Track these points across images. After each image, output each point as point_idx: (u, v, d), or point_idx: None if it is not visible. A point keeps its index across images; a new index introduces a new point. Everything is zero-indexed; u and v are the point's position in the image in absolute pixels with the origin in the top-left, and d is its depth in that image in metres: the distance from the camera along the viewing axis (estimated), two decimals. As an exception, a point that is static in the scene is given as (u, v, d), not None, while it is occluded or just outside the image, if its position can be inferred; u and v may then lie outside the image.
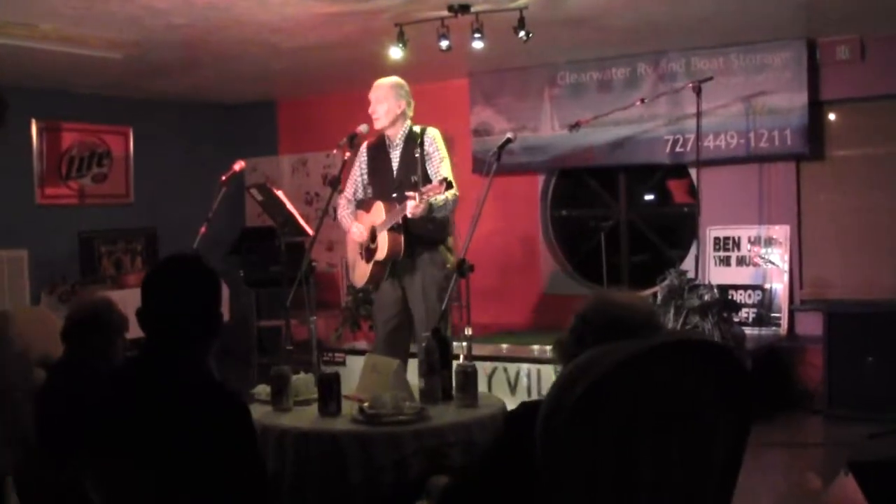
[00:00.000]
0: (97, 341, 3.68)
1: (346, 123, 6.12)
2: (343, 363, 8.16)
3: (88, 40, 7.10)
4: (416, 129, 5.88)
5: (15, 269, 8.87)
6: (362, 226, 5.88)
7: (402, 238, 5.69)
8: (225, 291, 9.25)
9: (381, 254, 5.74)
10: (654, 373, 2.40)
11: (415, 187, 5.53)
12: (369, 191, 5.99)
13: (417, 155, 5.76)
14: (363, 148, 5.94)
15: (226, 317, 8.96)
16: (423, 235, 5.75)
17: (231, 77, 9.16)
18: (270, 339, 9.78)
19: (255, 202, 8.37)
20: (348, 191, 6.03)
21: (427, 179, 5.66)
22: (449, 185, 5.40)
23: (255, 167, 10.87)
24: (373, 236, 5.85)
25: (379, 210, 5.79)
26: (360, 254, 5.99)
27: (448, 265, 5.84)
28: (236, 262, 9.82)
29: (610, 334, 2.51)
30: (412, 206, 5.39)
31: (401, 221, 5.64)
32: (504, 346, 8.03)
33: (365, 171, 5.94)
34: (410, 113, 5.91)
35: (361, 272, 6.00)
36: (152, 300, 2.72)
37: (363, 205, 6.00)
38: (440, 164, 5.77)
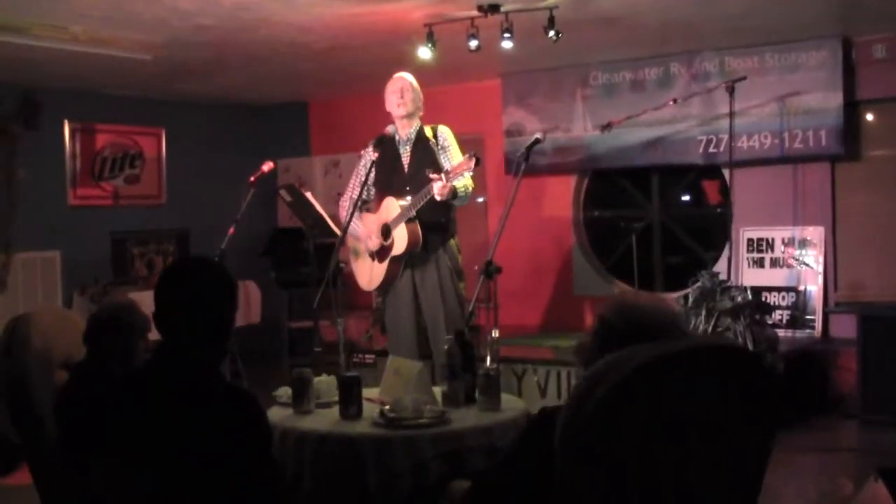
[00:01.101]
0: (118, 343, 3.67)
1: (378, 124, 6.14)
2: (373, 365, 8.11)
3: (117, 42, 7.14)
4: (427, 127, 5.94)
5: (48, 270, 8.93)
6: (367, 229, 5.89)
7: (420, 229, 5.69)
8: (257, 293, 9.36)
9: (400, 248, 5.74)
10: (677, 378, 2.36)
11: (429, 181, 5.53)
12: (373, 191, 5.99)
13: (433, 147, 5.82)
14: (368, 148, 5.92)
15: (257, 318, 9.03)
16: (437, 227, 5.78)
17: (261, 78, 9.18)
18: (301, 341, 9.78)
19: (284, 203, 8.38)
20: (353, 191, 6.00)
21: (441, 171, 5.66)
22: (477, 162, 5.38)
23: (288, 168, 10.91)
24: (385, 234, 5.83)
25: (390, 206, 5.78)
26: (371, 255, 5.98)
27: (459, 257, 5.93)
28: (268, 263, 9.84)
29: (633, 338, 2.47)
30: (439, 187, 5.40)
31: (413, 214, 5.64)
32: (534, 347, 7.97)
33: (369, 170, 5.91)
34: (421, 112, 5.98)
35: (372, 274, 6.00)
36: (164, 302, 2.72)
37: (368, 206, 6.01)
38: (455, 156, 5.83)
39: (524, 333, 8.73)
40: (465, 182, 5.58)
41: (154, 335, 2.93)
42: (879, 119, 8.00)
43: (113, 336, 3.69)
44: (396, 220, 5.74)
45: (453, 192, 5.53)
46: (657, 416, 2.32)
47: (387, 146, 5.89)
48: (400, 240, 5.74)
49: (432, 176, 5.46)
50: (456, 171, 5.41)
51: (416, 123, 5.93)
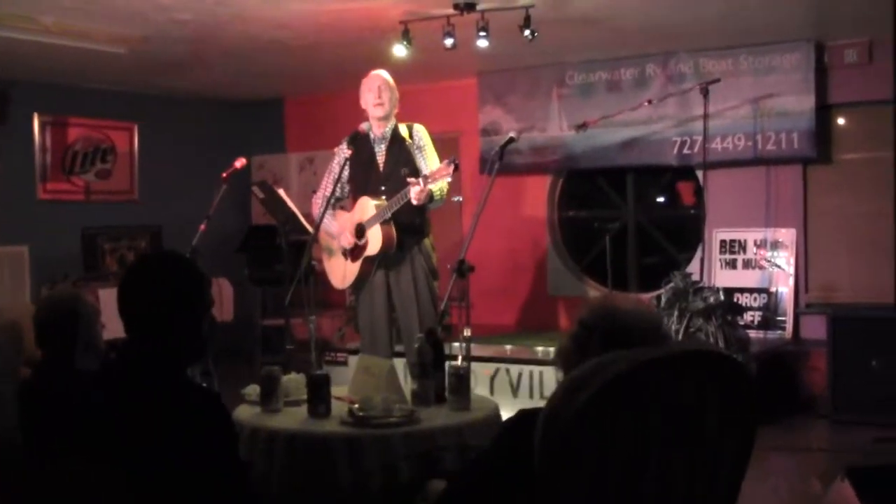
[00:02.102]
0: (69, 335, 3.63)
1: (353, 121, 6.11)
2: (345, 363, 8.13)
3: (91, 34, 7.09)
4: (403, 125, 5.91)
5: (16, 265, 8.85)
6: (340, 227, 5.87)
7: (395, 231, 5.68)
8: (230, 290, 9.30)
9: (374, 249, 5.72)
10: (659, 384, 2.34)
11: (405, 180, 5.53)
12: (347, 189, 5.96)
13: (408, 147, 5.79)
14: (343, 145, 5.90)
15: (230, 315, 8.96)
16: (412, 228, 5.77)
17: (237, 74, 9.14)
18: (275, 338, 9.74)
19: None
20: (327, 189, 5.97)
21: (416, 173, 5.65)
22: (456, 167, 5.37)
23: (263, 165, 10.87)
24: (360, 233, 5.82)
25: (365, 206, 5.77)
26: (344, 253, 5.96)
27: (433, 261, 5.91)
28: (242, 260, 9.79)
29: (613, 343, 2.46)
30: (416, 192, 5.38)
31: (389, 215, 5.63)
32: (507, 347, 7.97)
33: (343, 168, 5.88)
34: (396, 110, 5.97)
35: (344, 272, 5.98)
36: (129, 299, 2.67)
37: (342, 204, 5.99)
38: (431, 156, 5.85)
39: (498, 333, 8.73)
40: (440, 185, 5.57)
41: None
42: (851, 123, 8.06)
43: (61, 329, 3.65)
44: (371, 221, 5.72)
45: (429, 197, 5.52)
46: (639, 421, 2.31)
47: (361, 144, 5.87)
48: (374, 240, 5.73)
49: (410, 180, 5.44)
50: (434, 176, 5.40)
51: (391, 121, 5.91)
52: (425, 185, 5.38)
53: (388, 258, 5.80)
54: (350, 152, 5.78)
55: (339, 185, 5.88)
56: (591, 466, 2.28)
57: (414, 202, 5.46)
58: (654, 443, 2.33)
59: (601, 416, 2.26)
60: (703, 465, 2.42)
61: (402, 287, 5.82)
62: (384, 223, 5.68)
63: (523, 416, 2.55)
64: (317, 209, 5.95)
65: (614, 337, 2.50)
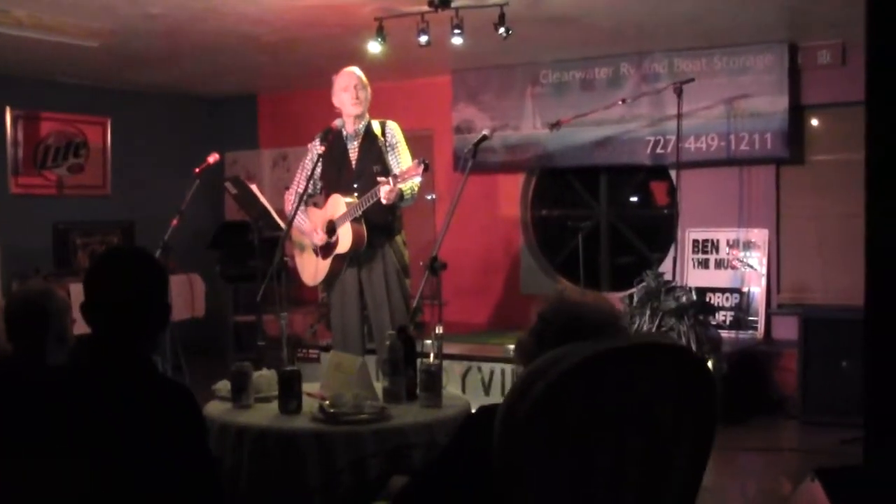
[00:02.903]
0: (39, 331, 3.60)
1: (327, 118, 6.07)
2: (317, 360, 8.10)
3: (63, 28, 7.03)
4: (375, 122, 5.88)
5: (-15, 259, 8.79)
6: (312, 224, 5.86)
7: (365, 230, 5.67)
8: (201, 286, 9.26)
9: (344, 247, 5.71)
10: (615, 375, 2.37)
11: (377, 178, 5.52)
12: (319, 185, 5.95)
13: (380, 146, 5.77)
14: (315, 142, 5.88)
15: (202, 311, 8.92)
16: (383, 226, 5.76)
17: (211, 69, 9.10)
18: (246, 335, 9.71)
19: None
20: (299, 185, 5.95)
21: (388, 171, 5.65)
22: (426, 168, 5.37)
23: (236, 161, 10.84)
24: (331, 231, 5.80)
25: (337, 203, 5.75)
26: (315, 251, 5.95)
27: (406, 254, 5.91)
28: (214, 256, 9.75)
29: (570, 335, 2.47)
30: (386, 191, 5.37)
31: (359, 213, 5.63)
32: (480, 345, 7.97)
33: (315, 164, 5.86)
34: (368, 106, 5.94)
35: (315, 269, 5.97)
36: (94, 294, 2.66)
37: (314, 200, 5.97)
38: (403, 154, 5.82)
39: (471, 331, 8.73)
40: (410, 185, 5.55)
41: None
42: (823, 124, 8.10)
43: (34, 325, 3.62)
44: (342, 219, 5.70)
45: (399, 196, 5.51)
46: (595, 412, 2.33)
47: (334, 140, 5.85)
48: (345, 238, 5.71)
49: (380, 179, 5.43)
50: (404, 175, 5.39)
51: (364, 119, 5.89)
52: (395, 184, 5.37)
53: (360, 256, 5.79)
54: (323, 149, 5.77)
55: (311, 182, 5.86)
56: (547, 456, 2.30)
57: (384, 201, 5.44)
58: (609, 433, 2.35)
59: (557, 407, 2.28)
60: (659, 454, 2.44)
61: (374, 285, 5.81)
62: (355, 221, 5.67)
63: (483, 411, 2.59)
64: (289, 205, 5.93)
65: (571, 329, 2.52)
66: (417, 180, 5.54)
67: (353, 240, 5.67)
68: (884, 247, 1.79)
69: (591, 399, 2.32)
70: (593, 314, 2.58)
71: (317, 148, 5.81)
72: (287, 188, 6.14)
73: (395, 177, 5.40)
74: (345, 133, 5.87)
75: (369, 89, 5.88)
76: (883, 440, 1.88)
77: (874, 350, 1.86)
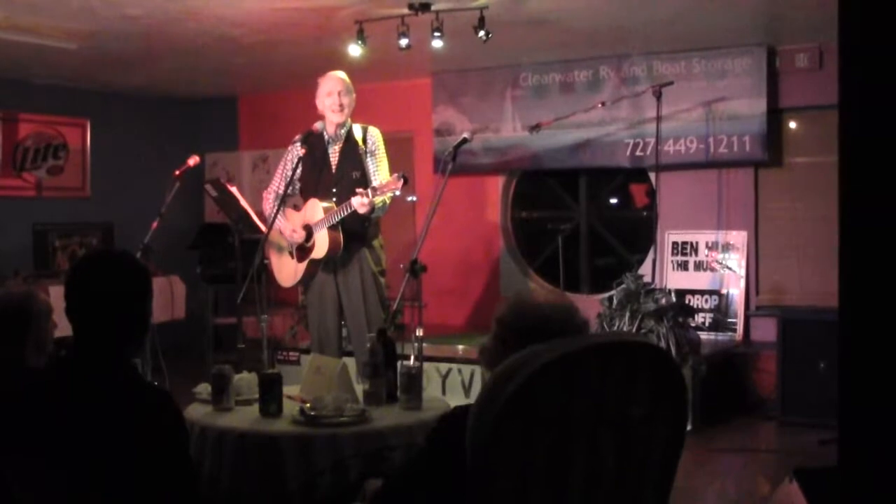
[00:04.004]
0: (21, 335, 3.59)
1: (307, 120, 6.07)
2: (297, 362, 8.10)
3: (40, 29, 7.02)
4: (357, 126, 5.86)
5: (-37, 261, 8.75)
6: (290, 225, 5.85)
7: (342, 236, 5.66)
8: (182, 287, 9.24)
9: (320, 252, 5.71)
10: (585, 373, 2.36)
11: (356, 184, 5.53)
12: (297, 186, 5.93)
13: (360, 152, 5.75)
14: (296, 144, 5.88)
15: (182, 313, 8.88)
16: (359, 233, 5.76)
17: (191, 71, 9.08)
18: (227, 337, 9.69)
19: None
20: (277, 185, 5.95)
21: (366, 177, 5.66)
22: (405, 182, 5.37)
23: (216, 162, 10.82)
24: (308, 235, 5.80)
25: (314, 208, 5.75)
26: (290, 253, 5.95)
27: (383, 260, 5.90)
28: (194, 258, 9.73)
29: (531, 337, 2.46)
30: (359, 203, 5.37)
31: (335, 221, 5.64)
32: (460, 347, 7.99)
33: (294, 166, 5.85)
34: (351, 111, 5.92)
35: (292, 271, 5.97)
36: (75, 296, 2.65)
37: (293, 202, 5.97)
38: (380, 162, 5.80)
39: (451, 333, 8.74)
40: (383, 198, 5.56)
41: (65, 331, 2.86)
42: (801, 127, 8.15)
43: (14, 328, 3.60)
44: (319, 225, 5.70)
45: (373, 207, 5.52)
46: (567, 411, 2.33)
47: (315, 143, 5.84)
48: (321, 244, 5.71)
49: (359, 191, 5.43)
50: (383, 189, 5.39)
51: (347, 123, 5.88)
52: (372, 196, 5.37)
53: (336, 261, 5.78)
54: (304, 151, 5.76)
55: (290, 184, 5.85)
56: (520, 455, 2.31)
57: (360, 212, 5.45)
58: (582, 431, 2.35)
59: (528, 405, 2.28)
60: (632, 453, 2.44)
61: (350, 290, 5.80)
62: (332, 228, 5.66)
63: (455, 412, 2.59)
64: (267, 205, 5.93)
65: (530, 330, 2.52)
66: (389, 196, 5.55)
67: (329, 247, 5.67)
68: (856, 248, 1.81)
69: (563, 398, 2.32)
70: (552, 313, 2.60)
71: (297, 150, 5.80)
72: (266, 189, 6.12)
73: (373, 189, 5.40)
74: (326, 136, 5.86)
75: (354, 94, 5.86)
76: (858, 440, 1.89)
77: (847, 353, 1.88)
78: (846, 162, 1.84)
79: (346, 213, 5.55)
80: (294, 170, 5.80)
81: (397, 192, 5.46)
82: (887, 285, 1.82)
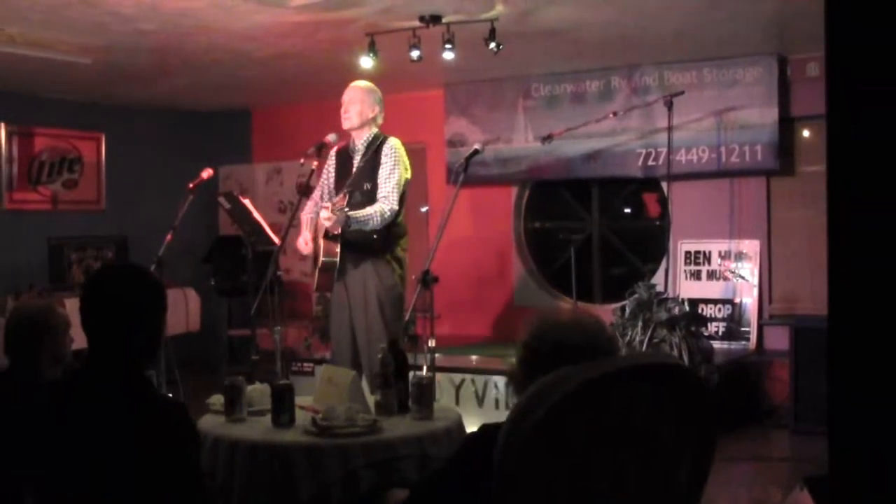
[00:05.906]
0: (39, 347, 3.62)
1: (320, 132, 6.06)
2: (311, 373, 8.12)
3: (55, 45, 7.07)
4: (383, 137, 5.84)
5: (-19, 275, 8.81)
6: (308, 234, 5.87)
7: (338, 247, 5.62)
8: (196, 300, 9.29)
9: (319, 262, 5.73)
10: (612, 397, 2.36)
11: (365, 195, 5.52)
12: (333, 195, 5.95)
13: (377, 164, 5.75)
14: (333, 151, 5.92)
15: (196, 326, 8.93)
16: (364, 245, 5.63)
17: (204, 85, 9.13)
18: (241, 349, 9.73)
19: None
20: (316, 194, 6.00)
21: (375, 187, 5.62)
22: (351, 196, 5.36)
23: (230, 175, 10.86)
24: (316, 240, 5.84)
25: (322, 214, 5.78)
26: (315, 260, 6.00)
27: (395, 274, 5.72)
28: (208, 270, 9.78)
29: (561, 359, 2.43)
30: (323, 217, 5.36)
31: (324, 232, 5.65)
32: (473, 357, 8.00)
33: (332, 175, 5.91)
34: (380, 121, 5.86)
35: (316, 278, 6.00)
36: (91, 310, 2.68)
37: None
38: (388, 175, 5.66)
39: (465, 343, 8.75)
40: (366, 210, 5.49)
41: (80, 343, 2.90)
42: (813, 135, 8.14)
43: (32, 341, 3.64)
44: (319, 231, 5.73)
45: (346, 221, 5.39)
46: (594, 434, 2.33)
47: (343, 153, 5.88)
48: (319, 255, 5.74)
49: (324, 205, 5.44)
50: (335, 205, 5.34)
51: (368, 132, 5.80)
52: (332, 212, 5.29)
53: (345, 275, 5.74)
54: (316, 164, 5.78)
55: (322, 190, 5.93)
56: (547, 478, 2.31)
57: (325, 225, 5.41)
58: (609, 454, 2.35)
59: (556, 429, 2.28)
60: (660, 474, 2.44)
61: (355, 305, 5.68)
62: (328, 238, 5.63)
63: (485, 431, 2.57)
64: (303, 213, 5.96)
65: (556, 354, 2.50)
66: (377, 208, 5.52)
67: (322, 257, 5.67)
68: (844, 254, 1.83)
69: (590, 421, 2.32)
70: (576, 335, 2.57)
71: (311, 163, 5.81)
72: (282, 202, 6.17)
73: (333, 203, 5.37)
74: (351, 145, 5.87)
75: (368, 104, 5.77)
76: (848, 444, 1.91)
77: (836, 359, 1.90)
78: (834, 170, 1.86)
79: (324, 226, 5.53)
80: (319, 182, 5.84)
81: (346, 209, 5.35)
82: (875, 290, 1.84)
